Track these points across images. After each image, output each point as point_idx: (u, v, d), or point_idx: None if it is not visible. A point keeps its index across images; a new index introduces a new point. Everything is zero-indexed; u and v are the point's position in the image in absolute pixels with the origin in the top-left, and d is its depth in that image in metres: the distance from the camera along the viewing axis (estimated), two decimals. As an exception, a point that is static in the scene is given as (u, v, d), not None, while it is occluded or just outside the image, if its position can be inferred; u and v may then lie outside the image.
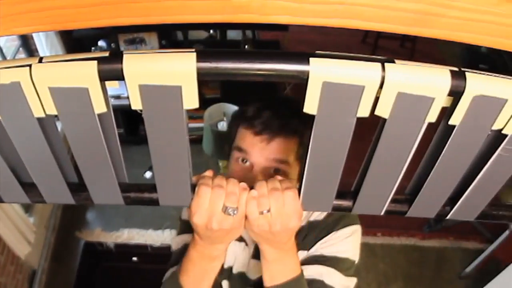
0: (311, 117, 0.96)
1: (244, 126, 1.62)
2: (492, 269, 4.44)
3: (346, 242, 1.75)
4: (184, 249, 1.66)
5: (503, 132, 0.91)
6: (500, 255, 4.81)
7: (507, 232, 4.79)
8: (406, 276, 5.36)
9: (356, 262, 1.78)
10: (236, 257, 1.84)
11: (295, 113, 1.61)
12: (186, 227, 1.91)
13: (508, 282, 3.97)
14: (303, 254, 1.75)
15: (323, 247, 1.73)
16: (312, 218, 1.81)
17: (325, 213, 1.80)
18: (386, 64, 0.82)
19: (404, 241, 5.65)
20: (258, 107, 1.64)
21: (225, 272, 1.81)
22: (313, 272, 1.70)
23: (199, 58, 0.82)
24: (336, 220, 1.78)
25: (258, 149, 1.55)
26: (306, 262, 1.74)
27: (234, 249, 1.85)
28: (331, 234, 1.74)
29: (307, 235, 1.78)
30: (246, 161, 1.60)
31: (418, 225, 5.82)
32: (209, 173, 1.27)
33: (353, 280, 1.78)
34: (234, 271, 1.81)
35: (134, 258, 5.36)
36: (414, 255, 5.57)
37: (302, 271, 1.54)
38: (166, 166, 1.06)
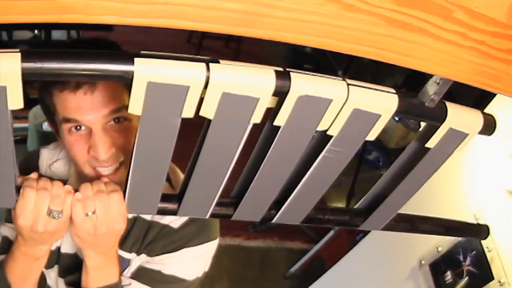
0: None
1: (58, 90, 1.35)
2: (317, 269, 4.48)
3: (194, 262, 1.63)
4: (8, 240, 1.61)
5: (328, 133, 0.90)
6: (325, 255, 4.87)
7: (331, 232, 4.84)
8: (231, 276, 5.26)
9: (199, 276, 1.68)
10: (63, 238, 1.70)
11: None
12: (8, 214, 1.78)
13: (333, 281, 4.03)
14: (143, 258, 1.61)
15: (166, 263, 1.58)
16: (166, 222, 1.61)
17: (183, 221, 1.61)
18: (210, 64, 0.79)
19: (228, 241, 5.53)
20: None
21: (53, 255, 1.63)
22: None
23: (24, 58, 0.77)
24: (193, 234, 1.59)
25: (86, 107, 1.33)
26: (140, 272, 1.62)
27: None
28: (182, 250, 1.58)
29: (156, 240, 1.60)
30: (80, 128, 1.35)
31: (242, 225, 5.69)
32: (34, 175, 1.19)
33: None
34: (63, 250, 1.66)
35: None
36: (239, 255, 5.46)
37: (120, 281, 1.48)
38: None
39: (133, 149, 0.96)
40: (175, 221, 1.57)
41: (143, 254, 1.57)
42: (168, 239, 1.54)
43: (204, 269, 1.65)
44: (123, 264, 1.52)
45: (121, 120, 1.34)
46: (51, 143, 1.78)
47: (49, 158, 1.66)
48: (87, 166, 1.40)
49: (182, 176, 1.50)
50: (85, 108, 1.29)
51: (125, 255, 1.55)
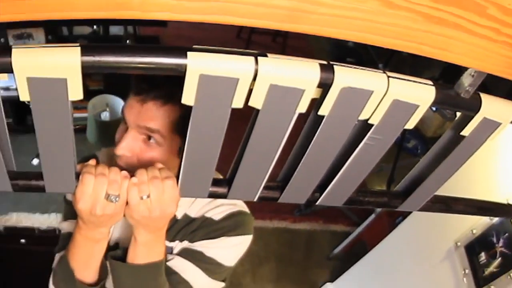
0: None
1: (131, 90, 1.50)
2: (359, 250, 4.50)
3: (231, 250, 1.71)
4: (70, 235, 1.62)
5: (369, 122, 0.92)
6: (366, 237, 4.87)
7: (373, 216, 4.86)
8: (278, 257, 5.34)
9: (232, 267, 1.75)
10: (121, 233, 1.78)
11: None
12: (71, 209, 1.83)
13: (373, 262, 4.04)
14: (185, 244, 1.71)
15: (207, 247, 1.66)
16: (208, 215, 1.72)
17: (223, 215, 1.71)
18: (259, 58, 0.81)
19: (276, 224, 5.60)
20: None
21: (112, 249, 1.69)
22: (178, 263, 1.68)
23: (84, 52, 0.79)
24: (232, 226, 1.69)
25: (133, 111, 1.44)
26: (182, 252, 1.71)
27: (120, 224, 1.80)
28: (221, 238, 1.67)
29: (198, 229, 1.69)
30: (126, 122, 1.48)
31: (289, 209, 5.77)
32: (92, 161, 1.23)
33: (219, 284, 1.76)
34: (120, 246, 1.72)
35: (22, 240, 5.26)
36: (285, 237, 5.54)
37: (164, 258, 1.54)
38: (52, 154, 1.02)
39: (186, 137, 0.98)
40: (216, 215, 1.67)
41: (185, 241, 1.65)
42: (209, 228, 1.63)
43: (236, 260, 1.72)
44: (166, 250, 1.58)
45: (151, 140, 1.44)
46: (105, 149, 1.90)
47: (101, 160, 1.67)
48: (116, 156, 1.50)
49: None
50: (132, 110, 1.41)
51: (168, 243, 1.63)
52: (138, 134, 1.44)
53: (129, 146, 1.43)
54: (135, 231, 1.40)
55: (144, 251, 1.45)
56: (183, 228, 1.68)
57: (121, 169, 1.23)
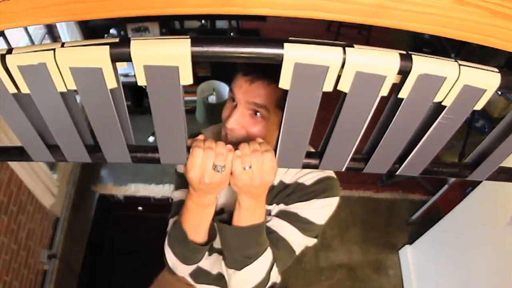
0: None
1: (239, 72, 1.59)
2: (434, 216, 4.61)
3: (321, 210, 1.81)
4: (181, 203, 1.77)
5: (442, 103, 0.96)
6: (440, 205, 4.93)
7: (446, 186, 4.98)
8: (362, 223, 5.54)
9: (322, 225, 1.83)
10: (226, 200, 1.89)
11: None
12: (181, 180, 1.97)
13: (447, 226, 4.13)
14: (281, 207, 1.82)
15: (300, 208, 1.77)
16: (300, 180, 1.82)
17: (313, 180, 1.80)
18: (346, 48, 0.86)
19: (361, 193, 5.82)
20: None
21: (218, 213, 1.83)
22: (277, 223, 1.80)
23: (193, 44, 0.86)
24: (321, 190, 1.80)
25: (242, 89, 1.54)
26: (279, 214, 1.81)
27: (225, 192, 1.91)
28: (312, 200, 1.78)
29: (292, 193, 1.82)
30: (233, 100, 1.60)
31: (372, 180, 5.95)
32: (201, 137, 1.33)
33: (312, 240, 1.87)
34: (225, 210, 1.85)
35: (140, 208, 5.67)
36: (369, 205, 5.72)
37: (265, 220, 1.64)
38: (166, 131, 1.10)
39: (282, 116, 1.04)
40: (307, 180, 1.77)
41: (281, 204, 1.75)
42: (301, 192, 1.73)
43: (326, 219, 1.81)
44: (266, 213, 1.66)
45: (258, 115, 1.56)
46: (210, 127, 2.05)
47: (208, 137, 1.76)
48: (223, 130, 1.65)
49: None
50: (242, 89, 1.50)
51: (266, 207, 1.71)
52: (246, 109, 1.56)
53: (238, 120, 1.56)
54: (239, 197, 1.51)
55: (247, 215, 1.56)
56: (279, 193, 1.79)
57: (227, 143, 1.31)
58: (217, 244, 1.93)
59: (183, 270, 1.92)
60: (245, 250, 1.69)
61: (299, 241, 1.82)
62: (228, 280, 1.80)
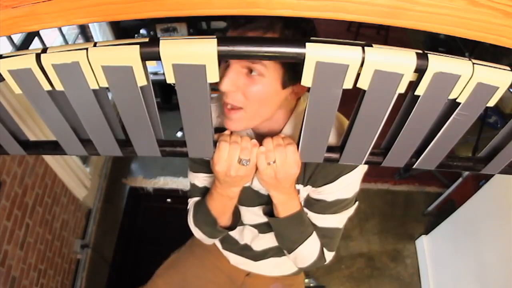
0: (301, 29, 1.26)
1: (230, 26, 1.41)
2: (449, 208, 4.61)
3: (350, 186, 1.74)
4: (193, 184, 1.90)
5: (457, 100, 0.96)
6: (455, 197, 4.93)
7: (460, 179, 4.97)
8: (380, 214, 5.54)
9: (356, 192, 1.79)
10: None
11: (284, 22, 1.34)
12: (191, 162, 1.95)
13: (461, 217, 4.14)
14: (308, 189, 1.77)
15: (329, 193, 1.73)
16: None
17: None
18: (365, 48, 0.86)
19: (379, 186, 5.82)
20: None
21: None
22: (311, 216, 1.81)
23: (219, 43, 0.86)
24: (346, 165, 1.68)
25: None
26: (311, 204, 1.79)
27: None
28: (339, 180, 1.67)
29: (316, 173, 1.71)
30: (226, 61, 1.38)
31: (390, 173, 5.93)
32: (227, 131, 1.35)
33: (352, 209, 1.84)
34: (253, 188, 1.85)
35: (168, 200, 5.77)
36: (387, 197, 5.72)
37: (302, 209, 1.67)
38: (193, 126, 1.11)
39: (305, 112, 1.04)
40: None
41: (308, 186, 1.72)
42: (326, 170, 1.66)
43: (357, 188, 1.77)
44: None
45: (253, 73, 1.33)
46: (214, 97, 1.76)
47: (214, 111, 1.76)
48: (222, 98, 1.43)
49: (344, 121, 1.61)
50: None
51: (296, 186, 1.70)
52: (240, 67, 1.34)
53: (232, 80, 1.34)
54: (270, 194, 1.53)
55: (282, 208, 1.60)
56: (303, 172, 1.73)
57: (226, 113, 1.35)
58: (248, 220, 2.02)
59: (211, 242, 2.03)
60: (288, 236, 1.77)
61: (340, 219, 1.83)
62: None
